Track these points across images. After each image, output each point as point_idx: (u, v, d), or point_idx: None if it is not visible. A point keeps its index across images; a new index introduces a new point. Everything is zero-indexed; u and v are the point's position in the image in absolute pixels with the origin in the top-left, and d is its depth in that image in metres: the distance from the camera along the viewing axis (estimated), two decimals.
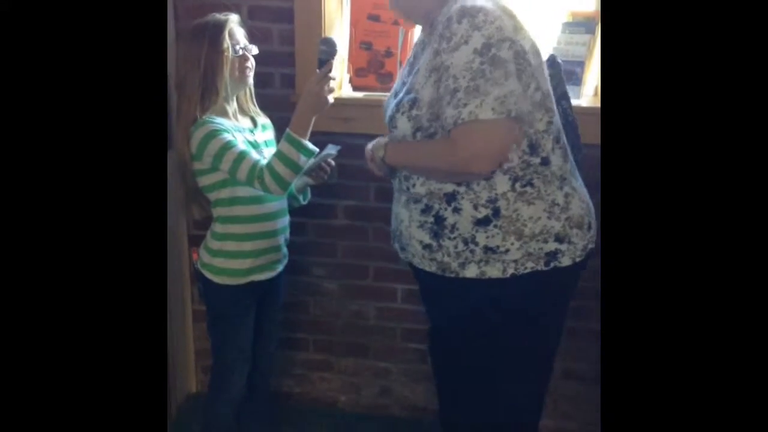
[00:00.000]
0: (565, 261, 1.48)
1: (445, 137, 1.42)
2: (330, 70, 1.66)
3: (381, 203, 2.21)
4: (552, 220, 1.46)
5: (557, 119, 1.50)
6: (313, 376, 2.48)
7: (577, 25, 2.10)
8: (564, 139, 1.53)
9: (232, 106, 1.81)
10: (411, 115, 1.47)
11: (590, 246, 1.53)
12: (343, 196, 2.26)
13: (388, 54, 2.12)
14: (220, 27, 1.73)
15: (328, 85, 1.67)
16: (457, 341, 1.61)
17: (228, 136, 1.69)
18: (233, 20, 1.76)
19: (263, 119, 1.92)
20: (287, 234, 1.92)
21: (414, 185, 1.52)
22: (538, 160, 1.45)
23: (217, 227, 1.83)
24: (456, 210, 1.47)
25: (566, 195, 1.48)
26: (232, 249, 1.82)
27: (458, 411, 1.68)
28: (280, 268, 1.93)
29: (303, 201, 1.98)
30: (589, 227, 1.52)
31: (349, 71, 2.21)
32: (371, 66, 2.14)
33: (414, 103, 1.46)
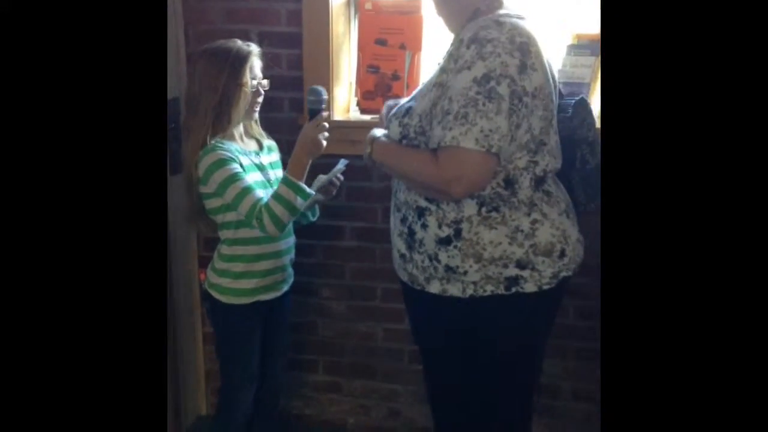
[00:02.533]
0: (529, 287, 1.48)
1: (430, 151, 1.43)
2: (324, 119, 1.73)
3: (389, 224, 2.23)
4: (514, 246, 1.46)
5: (548, 161, 1.50)
6: (322, 397, 2.48)
7: (582, 47, 2.12)
8: (553, 186, 1.53)
9: (239, 130, 1.84)
10: (402, 122, 1.51)
11: (563, 274, 1.52)
12: (351, 217, 2.27)
13: (396, 77, 2.15)
14: (243, 58, 1.76)
15: (323, 132, 1.73)
16: (427, 348, 1.69)
17: (235, 167, 1.72)
18: (255, 53, 1.79)
19: (268, 141, 1.95)
20: (293, 254, 1.94)
21: (400, 190, 1.58)
22: (508, 192, 1.47)
23: (224, 249, 1.85)
24: (423, 226, 1.50)
25: (533, 222, 1.48)
26: (240, 270, 1.83)
27: (435, 405, 1.75)
28: (285, 288, 1.94)
29: (312, 218, 1.99)
30: (562, 255, 1.50)
31: (356, 94, 2.24)
32: (378, 89, 2.17)
33: (408, 111, 1.51)
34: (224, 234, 1.84)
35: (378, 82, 2.16)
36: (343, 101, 2.25)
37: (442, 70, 1.44)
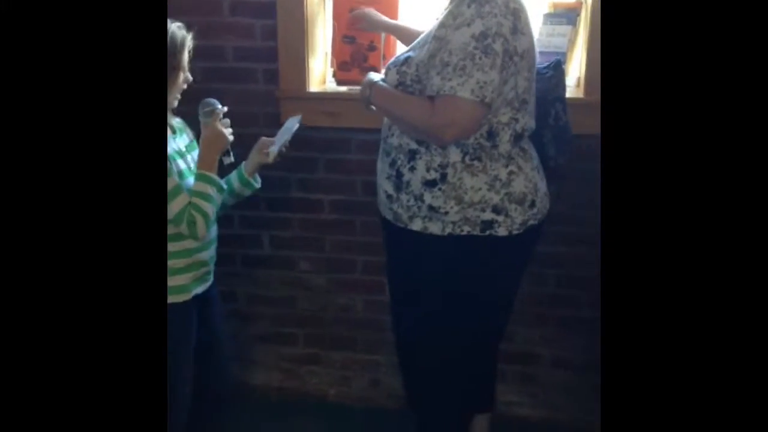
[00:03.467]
0: (501, 231, 1.63)
1: (427, 98, 1.56)
2: (220, 113, 1.73)
3: (368, 197, 2.22)
4: (491, 193, 1.61)
5: (527, 121, 1.64)
6: (302, 370, 2.48)
7: (558, 16, 2.11)
8: (527, 144, 1.67)
9: None
10: (400, 70, 1.63)
11: (531, 222, 1.66)
12: (330, 190, 2.26)
13: (372, 48, 2.11)
14: (181, 44, 1.67)
15: (224, 125, 1.73)
16: (404, 286, 1.84)
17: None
18: (189, 38, 1.70)
19: (177, 122, 1.83)
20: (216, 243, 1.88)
21: (392, 136, 1.69)
22: (489, 144, 1.60)
23: None
24: (411, 169, 1.64)
25: (510, 173, 1.62)
26: (180, 266, 1.74)
27: (405, 337, 1.90)
28: (211, 278, 1.87)
29: (257, 185, 1.91)
30: (532, 205, 1.65)
31: (332, 65, 2.20)
32: (354, 60, 2.13)
33: (407, 60, 1.63)
34: None
35: (354, 53, 2.13)
36: (319, 72, 2.22)
37: (441, 24, 1.55)
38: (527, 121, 1.64)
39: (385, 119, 1.75)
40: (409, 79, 1.61)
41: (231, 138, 1.74)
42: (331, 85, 2.22)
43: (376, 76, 1.72)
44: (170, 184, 1.63)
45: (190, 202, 1.66)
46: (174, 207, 1.64)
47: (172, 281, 1.72)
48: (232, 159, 1.77)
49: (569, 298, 2.21)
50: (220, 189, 1.71)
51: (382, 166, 1.74)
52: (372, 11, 2.02)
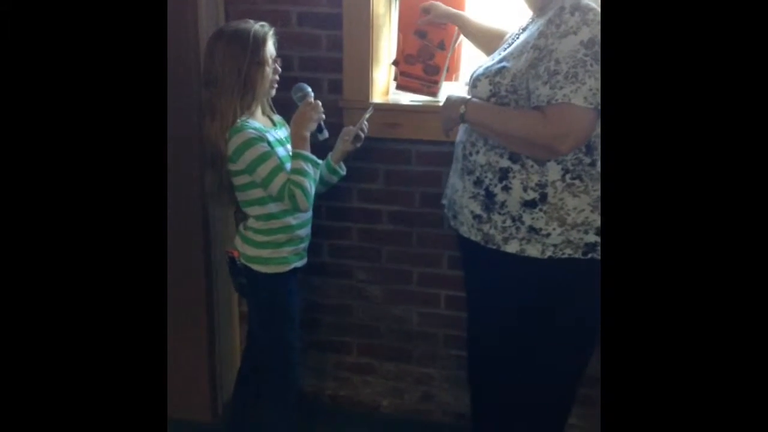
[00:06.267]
0: None
1: (533, 109, 1.51)
2: (311, 98, 1.88)
3: (425, 208, 2.22)
4: (595, 214, 1.56)
5: None
6: (356, 379, 2.49)
7: None
8: None
9: (259, 108, 1.90)
10: (494, 81, 1.58)
11: None
12: (388, 201, 2.26)
13: (441, 47, 2.06)
14: (263, 40, 1.82)
15: (312, 107, 1.85)
16: (491, 310, 1.75)
17: (265, 146, 1.79)
18: (271, 33, 1.85)
19: (277, 117, 2.01)
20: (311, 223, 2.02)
21: (477, 152, 1.62)
22: (588, 160, 1.55)
23: (258, 224, 1.91)
24: (505, 188, 1.58)
25: None
26: (283, 240, 1.91)
27: (487, 379, 1.84)
28: (306, 256, 2.02)
29: (342, 173, 2.06)
30: None
31: (395, 62, 2.16)
32: (420, 55, 2.08)
33: (500, 71, 1.58)
34: (253, 210, 1.90)
35: (422, 48, 2.07)
36: (382, 83, 2.23)
37: (541, 34, 1.51)
38: None
39: (460, 136, 1.72)
40: (504, 90, 1.56)
41: (323, 116, 1.87)
42: (394, 97, 2.23)
43: (461, 97, 1.65)
44: (272, 164, 1.78)
45: (289, 179, 1.78)
46: (275, 184, 1.78)
47: (276, 253, 1.92)
48: (326, 135, 1.93)
49: None
50: (314, 163, 1.83)
51: (463, 185, 1.68)
52: (437, 3, 2.01)
